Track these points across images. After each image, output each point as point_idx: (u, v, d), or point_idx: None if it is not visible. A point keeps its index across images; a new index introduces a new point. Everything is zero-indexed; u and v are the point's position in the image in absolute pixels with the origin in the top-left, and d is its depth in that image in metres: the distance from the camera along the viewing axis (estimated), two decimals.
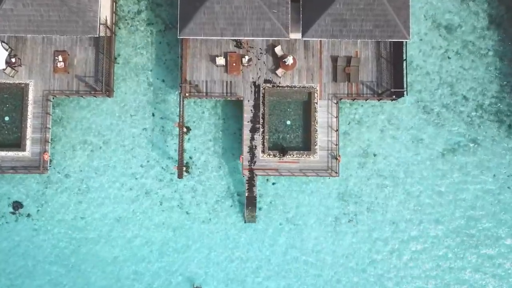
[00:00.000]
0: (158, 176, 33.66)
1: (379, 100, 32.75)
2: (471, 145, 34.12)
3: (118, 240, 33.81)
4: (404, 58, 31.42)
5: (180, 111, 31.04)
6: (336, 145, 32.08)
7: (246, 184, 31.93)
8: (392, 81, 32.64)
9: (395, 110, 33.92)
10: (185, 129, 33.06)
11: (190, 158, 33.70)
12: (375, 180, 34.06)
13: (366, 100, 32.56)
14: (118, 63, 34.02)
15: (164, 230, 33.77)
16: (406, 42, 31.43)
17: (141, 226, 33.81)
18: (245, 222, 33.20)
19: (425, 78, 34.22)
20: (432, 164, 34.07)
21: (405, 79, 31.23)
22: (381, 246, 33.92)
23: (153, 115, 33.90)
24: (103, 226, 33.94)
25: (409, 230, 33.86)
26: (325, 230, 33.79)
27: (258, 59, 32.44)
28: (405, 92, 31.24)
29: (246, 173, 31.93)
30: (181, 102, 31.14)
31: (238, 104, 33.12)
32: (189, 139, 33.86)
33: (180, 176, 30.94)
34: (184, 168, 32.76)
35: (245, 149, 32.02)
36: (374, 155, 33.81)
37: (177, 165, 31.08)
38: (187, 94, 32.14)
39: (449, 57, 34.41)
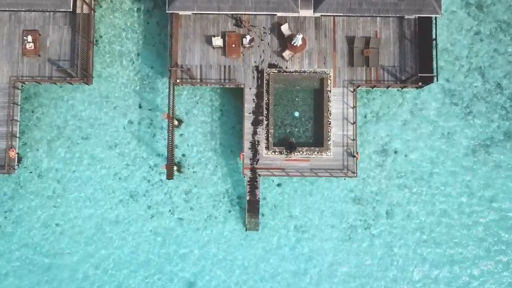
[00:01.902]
0: (146, 177, 27.01)
1: (402, 88, 25.57)
2: (506, 140, 27.35)
3: (99, 250, 27.67)
4: (434, 37, 23.96)
5: (169, 100, 23.80)
6: (353, 140, 24.83)
7: (247, 186, 25.01)
8: (417, 66, 25.51)
9: (418, 100, 27.05)
10: (176, 122, 25.91)
11: (183, 155, 26.54)
12: (395, 181, 27.97)
13: (387, 87, 25.51)
14: (99, 46, 27.29)
15: (153, 239, 27.51)
16: (436, 18, 23.93)
17: (126, 234, 27.71)
18: (246, 230, 26.98)
19: (453, 63, 28.07)
20: (461, 162, 28.03)
21: (435, 62, 23.89)
22: (402, 257, 27.69)
23: (140, 106, 26.97)
24: (81, 234, 27.64)
25: (436, 239, 27.29)
26: (338, 239, 27.76)
27: (262, 40, 25.50)
28: (434, 78, 23.79)
29: (247, 173, 24.85)
30: (171, 90, 24.32)
31: (238, 93, 26.36)
32: (181, 133, 26.69)
33: (169, 176, 23.88)
34: (175, 168, 25.85)
35: (246, 145, 25.25)
36: (395, 152, 27.32)
37: (166, 164, 23.59)
38: (178, 81, 25.02)
39: (480, 39, 27.96)
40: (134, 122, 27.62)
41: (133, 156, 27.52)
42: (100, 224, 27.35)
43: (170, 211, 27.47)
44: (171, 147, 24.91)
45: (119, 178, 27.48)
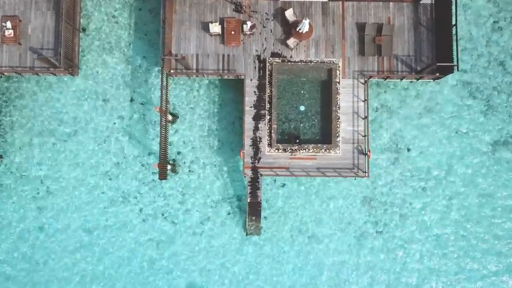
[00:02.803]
0: (137, 177, 24.00)
1: (417, 80, 22.19)
2: None
3: (86, 258, 24.77)
4: (454, 23, 20.61)
5: (162, 92, 20.48)
6: (365, 136, 21.44)
7: (248, 187, 21.90)
8: (434, 55, 22.20)
9: (434, 94, 24.07)
10: (170, 117, 22.66)
11: (178, 153, 23.27)
12: (409, 182, 25.06)
13: (401, 79, 22.33)
14: (86, 34, 24.10)
15: (145, 245, 24.67)
16: (456, 2, 20.63)
17: (116, 239, 24.63)
18: (247, 235, 23.93)
19: (471, 54, 25.38)
20: (481, 161, 25.07)
21: (455, 49, 20.54)
22: (416, 265, 24.72)
23: (131, 100, 23.71)
24: (67, 240, 24.96)
25: (455, 245, 24.36)
26: (347, 244, 24.77)
27: (264, 27, 22.38)
28: (455, 67, 20.39)
29: (248, 172, 21.71)
30: (164, 81, 21.19)
31: (238, 85, 23.32)
32: (176, 130, 23.28)
33: (162, 176, 20.68)
34: (169, 167, 22.64)
35: (247, 142, 22.11)
36: (408, 149, 24.60)
37: (158, 163, 20.28)
38: (172, 71, 21.57)
39: (500, 28, 24.42)
40: (125, 117, 24.38)
41: (124, 154, 24.13)
42: (88, 227, 23.85)
43: (163, 214, 24.10)
44: (164, 143, 21.65)
45: (109, 179, 24.17)
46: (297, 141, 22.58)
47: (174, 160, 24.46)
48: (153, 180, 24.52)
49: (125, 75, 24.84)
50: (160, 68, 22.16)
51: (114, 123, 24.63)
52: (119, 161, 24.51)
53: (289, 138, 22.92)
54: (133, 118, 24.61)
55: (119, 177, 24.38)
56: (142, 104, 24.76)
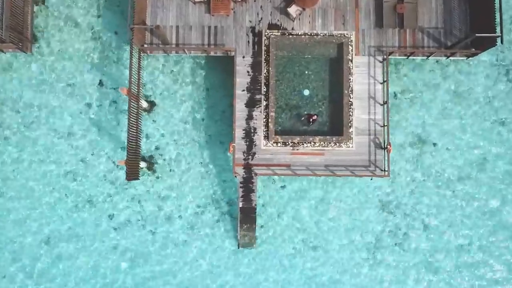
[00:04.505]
0: (108, 176, 19.25)
1: (447, 57, 16.68)
2: None
3: (46, 273, 19.60)
4: None
5: (130, 70, 14.69)
6: (384, 126, 15.67)
7: (240, 189, 16.82)
8: (467, 27, 16.47)
9: (464, 76, 19.00)
10: (145, 104, 17.27)
11: (156, 149, 17.77)
12: (434, 183, 19.61)
13: (427, 56, 17.16)
14: (43, 3, 18.93)
15: (117, 258, 19.56)
16: None
17: (81, 251, 19.49)
18: (239, 247, 18.36)
19: (509, 30, 18.86)
20: None
21: (498, 17, 14.88)
22: (443, 286, 19.01)
23: (100, 83, 19.00)
24: (25, 252, 19.37)
25: (489, 260, 18.94)
26: (360, 257, 19.52)
27: None
28: (498, 40, 14.64)
29: (240, 171, 16.53)
30: (133, 57, 16.33)
31: (229, 64, 17.61)
32: (154, 120, 17.56)
33: (131, 176, 15.59)
34: (144, 165, 17.64)
35: (239, 133, 17.05)
36: (434, 144, 19.08)
37: (126, 159, 14.50)
38: (145, 46, 15.62)
39: None
40: (93, 104, 18.99)
41: (91, 149, 18.54)
42: (48, 238, 18.35)
43: (139, 221, 18.66)
44: (134, 135, 16.34)
45: (74, 179, 18.64)
46: (313, 119, 16.85)
47: (151, 156, 18.78)
48: (127, 181, 18.78)
49: (92, 54, 19.60)
50: (129, 41, 16.32)
51: (80, 112, 19.08)
52: (86, 157, 18.93)
53: (302, 118, 17.24)
54: (102, 106, 19.09)
55: (85, 176, 18.95)
56: (113, 89, 19.30)
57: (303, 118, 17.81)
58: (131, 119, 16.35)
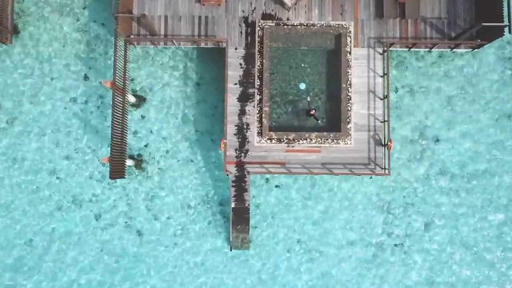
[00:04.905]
0: (94, 175, 18.11)
1: (451, 49, 15.57)
2: None
3: (31, 276, 18.50)
4: None
5: (115, 61, 13.52)
6: (384, 121, 14.45)
7: (233, 189, 16.02)
8: (473, 17, 15.26)
9: (469, 69, 17.41)
10: (133, 99, 16.10)
11: (145, 146, 16.59)
12: (437, 181, 18.34)
13: (430, 48, 15.97)
14: None
15: (103, 261, 18.45)
16: None
17: (66, 254, 18.37)
18: (231, 249, 17.10)
19: None
20: None
21: (506, 5, 13.71)
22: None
23: (86, 77, 17.36)
24: (4, 256, 17.32)
25: (495, 263, 17.94)
26: (359, 260, 18.26)
27: None
28: (506, 29, 13.52)
29: (232, 169, 15.58)
30: (118, 47, 15.19)
31: (219, 56, 16.87)
32: (142, 115, 16.23)
33: (115, 174, 14.84)
34: (132, 162, 16.74)
35: (230, 129, 16.07)
36: (436, 140, 17.84)
37: (109, 156, 13.27)
38: (132, 37, 14.39)
39: None
40: (78, 99, 17.74)
41: (76, 146, 17.30)
42: (30, 240, 17.04)
43: (127, 222, 17.40)
44: (118, 130, 15.38)
45: (57, 177, 17.24)
46: (311, 113, 15.81)
47: (139, 154, 17.51)
48: (115, 180, 17.56)
49: (78, 46, 18.23)
50: (114, 31, 15.09)
51: (64, 108, 17.78)
52: (70, 155, 17.74)
53: (308, 114, 16.13)
54: (88, 101, 17.90)
55: (70, 175, 17.82)
56: (100, 83, 17.87)
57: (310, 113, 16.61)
58: (115, 113, 15.13)
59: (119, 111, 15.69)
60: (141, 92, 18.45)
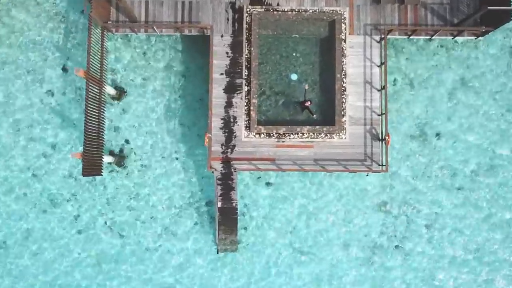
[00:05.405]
0: (72, 173, 16.82)
1: (453, 37, 14.45)
2: None
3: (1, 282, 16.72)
4: None
5: (88, 48, 12.07)
6: (381, 114, 13.03)
7: (219, 187, 14.89)
8: (477, 2, 14.04)
9: (471, 60, 16.26)
10: (113, 91, 14.78)
11: (126, 142, 15.57)
12: (438, 179, 16.86)
13: (431, 36, 15.05)
14: None
15: (82, 263, 16.67)
16: None
17: (42, 256, 17.08)
18: (218, 252, 15.60)
19: None
20: None
21: None
22: None
23: (64, 69, 15.64)
24: None
25: (501, 266, 16.41)
26: (355, 262, 16.79)
27: None
28: None
29: (218, 166, 14.20)
30: (92, 34, 14.31)
31: (205, 44, 15.64)
32: (123, 109, 14.78)
33: (87, 171, 12.42)
34: (114, 159, 15.48)
35: (216, 123, 15.05)
36: (437, 136, 16.68)
37: (82, 151, 11.76)
38: (109, 23, 12.96)
39: None
40: (55, 92, 16.35)
41: (53, 142, 15.96)
42: (4, 242, 15.52)
43: (107, 223, 15.82)
44: (92, 124, 13.85)
45: (33, 175, 15.75)
46: (305, 105, 14.43)
47: (121, 150, 16.07)
48: (93, 178, 16.14)
49: (54, 35, 16.64)
50: (88, 15, 13.64)
51: (41, 101, 16.30)
52: (47, 152, 16.28)
53: (302, 106, 14.71)
54: (66, 94, 16.48)
55: (47, 173, 16.35)
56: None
57: (304, 105, 15.19)
58: (89, 105, 13.71)
59: (94, 103, 14.28)
60: (122, 84, 16.97)
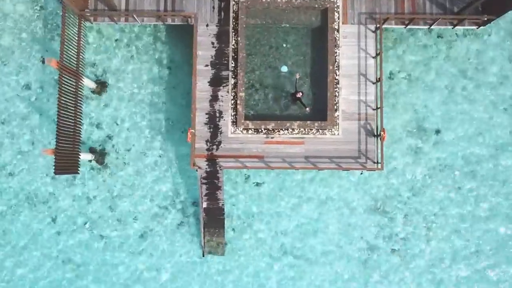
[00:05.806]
0: (50, 171, 14.28)
1: (453, 27, 13.33)
2: None
3: None
4: None
5: (62, 37, 10.90)
6: (376, 108, 11.89)
7: (203, 186, 13.63)
8: None
9: (472, 52, 15.50)
10: (93, 84, 13.61)
11: (108, 138, 13.92)
12: (438, 177, 15.72)
13: (430, 25, 14.41)
14: None
15: (61, 267, 15.92)
16: None
17: (18, 259, 15.77)
18: (203, 255, 14.51)
19: None
20: None
21: None
22: None
23: (43, 61, 15.38)
24: None
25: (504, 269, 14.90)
26: (350, 267, 15.91)
27: None
28: None
29: (202, 164, 13.25)
30: (68, 23, 13.03)
31: (187, 33, 13.70)
32: (105, 104, 13.87)
33: (59, 169, 11.59)
34: (94, 157, 14.57)
35: (200, 118, 14.18)
36: (437, 132, 15.53)
37: (54, 147, 10.62)
38: (87, 12, 11.79)
39: None
40: (32, 86, 15.27)
41: (30, 140, 14.88)
42: None
43: (86, 224, 14.66)
44: (66, 118, 12.80)
45: (9, 173, 14.71)
46: (297, 96, 13.50)
47: (101, 147, 14.95)
48: (73, 177, 15.08)
49: (33, 24, 15.59)
50: (61, 2, 12.53)
51: (17, 95, 15.18)
52: (24, 149, 15.19)
53: (293, 98, 13.66)
54: (44, 88, 15.40)
55: (24, 171, 15.15)
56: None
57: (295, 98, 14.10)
58: (62, 98, 12.58)
59: (69, 96, 13.21)
60: (103, 78, 15.87)
